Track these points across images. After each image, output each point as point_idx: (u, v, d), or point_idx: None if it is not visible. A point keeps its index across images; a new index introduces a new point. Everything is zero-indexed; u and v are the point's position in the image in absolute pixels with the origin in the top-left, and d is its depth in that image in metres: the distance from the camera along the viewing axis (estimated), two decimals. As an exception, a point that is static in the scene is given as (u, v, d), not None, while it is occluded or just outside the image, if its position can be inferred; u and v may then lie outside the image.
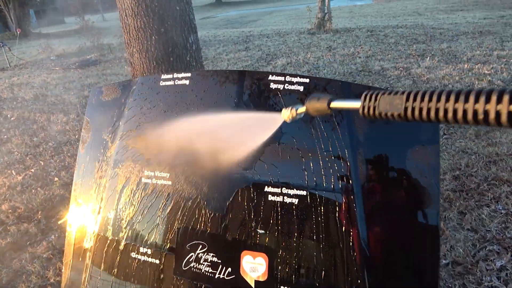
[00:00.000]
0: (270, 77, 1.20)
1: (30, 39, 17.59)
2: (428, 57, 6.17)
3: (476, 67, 5.34)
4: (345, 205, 1.10)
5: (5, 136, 4.23)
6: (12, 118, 4.94)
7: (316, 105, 0.83)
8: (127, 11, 2.23)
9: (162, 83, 1.38)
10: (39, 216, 2.52)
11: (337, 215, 1.10)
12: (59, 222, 2.23)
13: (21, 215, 2.55)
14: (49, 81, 7.20)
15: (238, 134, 1.18)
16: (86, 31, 12.80)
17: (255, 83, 1.22)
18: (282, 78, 1.18)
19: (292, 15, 18.40)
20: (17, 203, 2.68)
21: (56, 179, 3.04)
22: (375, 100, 0.62)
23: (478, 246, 2.01)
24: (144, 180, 1.35)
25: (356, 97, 0.66)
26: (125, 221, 1.38)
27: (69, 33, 17.86)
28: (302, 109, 0.91)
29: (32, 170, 3.22)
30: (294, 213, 1.13)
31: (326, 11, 9.72)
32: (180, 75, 1.34)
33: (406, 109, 0.56)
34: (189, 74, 1.33)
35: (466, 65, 5.47)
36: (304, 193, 1.13)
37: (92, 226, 1.47)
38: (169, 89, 1.36)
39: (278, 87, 1.18)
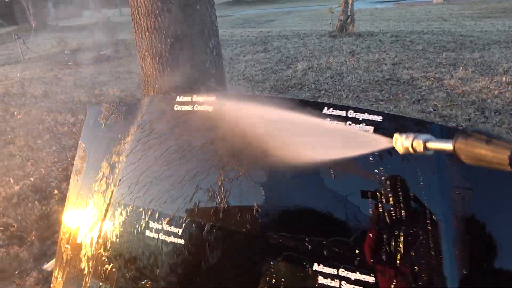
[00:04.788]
0: (326, 110, 0.86)
1: (47, 31, 17.53)
2: (461, 67, 5.74)
3: (516, 80, 4.91)
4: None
5: (9, 137, 3.98)
6: (18, 116, 4.70)
7: (481, 150, 0.52)
8: (139, 9, 1.93)
9: (177, 107, 1.06)
10: (33, 237, 2.23)
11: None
12: (43, 267, 1.93)
13: (13, 234, 2.28)
14: (61, 76, 6.98)
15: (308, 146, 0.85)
16: (102, 25, 12.59)
17: (304, 116, 0.88)
18: (343, 113, 0.85)
19: (311, 16, 17.97)
20: (10, 219, 2.41)
21: (55, 191, 2.76)
22: None
23: None
24: (148, 233, 1.03)
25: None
26: (120, 284, 1.06)
27: (85, 27, 17.73)
28: (439, 146, 0.59)
29: (32, 179, 2.95)
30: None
31: (349, 14, 9.33)
32: (201, 98, 1.02)
33: None
34: (213, 98, 1.00)
35: (504, 78, 5.04)
36: (372, 279, 0.79)
37: (81, 282, 1.16)
38: (187, 115, 1.04)
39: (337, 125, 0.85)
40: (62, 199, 2.66)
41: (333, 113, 0.85)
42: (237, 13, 23.10)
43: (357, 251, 0.81)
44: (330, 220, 0.86)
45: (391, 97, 4.76)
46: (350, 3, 9.39)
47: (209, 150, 1.01)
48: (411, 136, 0.64)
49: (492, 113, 3.92)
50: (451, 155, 0.80)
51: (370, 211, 0.81)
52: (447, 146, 0.59)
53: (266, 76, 6.06)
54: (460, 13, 15.22)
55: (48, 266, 1.78)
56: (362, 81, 5.44)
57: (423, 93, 4.76)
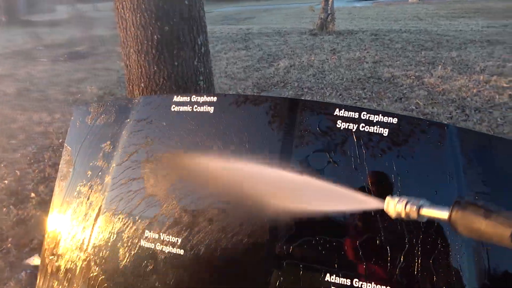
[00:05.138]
0: (338, 112, 0.82)
1: (18, 26, 16.85)
2: (440, 66, 5.85)
3: (493, 79, 5.03)
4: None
5: (-20, 137, 3.77)
6: (-11, 115, 4.48)
7: (480, 225, 0.50)
8: (125, 3, 1.84)
9: (175, 108, 0.99)
10: (9, 245, 2.11)
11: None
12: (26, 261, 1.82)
13: (-13, 241, 2.14)
14: (35, 74, 6.71)
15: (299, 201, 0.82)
16: (77, 21, 12.21)
17: (314, 118, 0.84)
18: (356, 114, 0.80)
19: (290, 14, 18.00)
20: (-16, 226, 2.26)
21: (32, 194, 2.62)
22: None
23: None
24: (144, 243, 0.96)
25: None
26: (115, 298, 0.99)
27: (59, 22, 17.13)
28: (434, 214, 0.57)
29: (6, 182, 2.80)
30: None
31: (329, 12, 9.37)
32: (200, 99, 0.95)
33: None
34: (214, 99, 0.94)
35: (481, 77, 5.16)
36: (387, 289, 0.76)
37: (69, 296, 1.08)
38: (185, 117, 0.97)
39: (350, 127, 0.81)
40: (40, 203, 2.53)
41: (345, 115, 0.80)
42: (216, 9, 22.87)
43: (372, 262, 0.77)
44: (344, 231, 0.81)
45: (373, 95, 4.79)
46: (331, 1, 9.44)
47: (209, 154, 0.95)
48: (404, 200, 0.61)
49: (472, 111, 4.00)
50: (469, 161, 0.78)
51: (385, 219, 0.77)
52: (442, 215, 0.56)
53: (248, 74, 6.00)
54: (435, 13, 15.56)
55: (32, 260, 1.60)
56: (344, 79, 5.46)
57: (404, 91, 4.82)
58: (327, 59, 6.68)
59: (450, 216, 0.54)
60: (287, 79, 5.66)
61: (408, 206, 0.60)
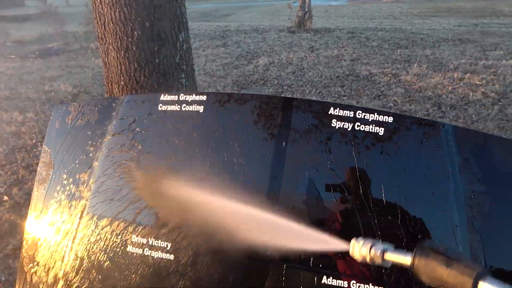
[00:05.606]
0: (333, 111, 0.80)
1: (-15, 21, 16.12)
2: (415, 64, 5.98)
3: (466, 76, 5.18)
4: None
5: None
6: (-44, 115, 4.26)
7: (443, 273, 0.49)
8: (102, -2, 1.76)
9: (162, 107, 0.95)
10: (-19, 251, 2.00)
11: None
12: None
13: (-42, 248, 2.03)
14: (4, 71, 6.44)
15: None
16: (49, 16, 11.82)
17: (309, 117, 0.82)
18: (351, 113, 0.79)
19: (267, 12, 18.02)
20: (-47, 231, 2.15)
21: (5, 197, 2.50)
22: None
23: None
24: (131, 248, 0.92)
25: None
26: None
27: (29, 17, 16.54)
28: (398, 259, 0.56)
29: (-24, 185, 2.66)
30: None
31: (306, 10, 9.42)
32: (189, 98, 0.92)
33: None
34: (203, 97, 0.90)
35: (455, 74, 5.30)
36: (385, 290, 0.75)
37: (50, 305, 1.02)
38: (173, 116, 0.93)
39: (345, 126, 0.79)
40: (14, 207, 2.42)
41: (340, 114, 0.79)
42: (193, 6, 22.62)
43: (369, 266, 0.76)
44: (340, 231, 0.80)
45: (352, 92, 4.85)
46: (308, -1, 9.48)
47: (199, 155, 0.91)
48: (369, 243, 0.60)
49: (448, 108, 4.10)
50: (466, 160, 0.77)
51: (382, 216, 0.77)
52: (405, 260, 0.55)
53: (228, 71, 5.95)
54: (409, 12, 15.91)
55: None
56: (323, 77, 5.50)
57: (382, 89, 4.89)
58: (306, 56, 6.71)
59: (413, 262, 0.53)
60: (266, 76, 5.65)
61: (372, 250, 0.59)
